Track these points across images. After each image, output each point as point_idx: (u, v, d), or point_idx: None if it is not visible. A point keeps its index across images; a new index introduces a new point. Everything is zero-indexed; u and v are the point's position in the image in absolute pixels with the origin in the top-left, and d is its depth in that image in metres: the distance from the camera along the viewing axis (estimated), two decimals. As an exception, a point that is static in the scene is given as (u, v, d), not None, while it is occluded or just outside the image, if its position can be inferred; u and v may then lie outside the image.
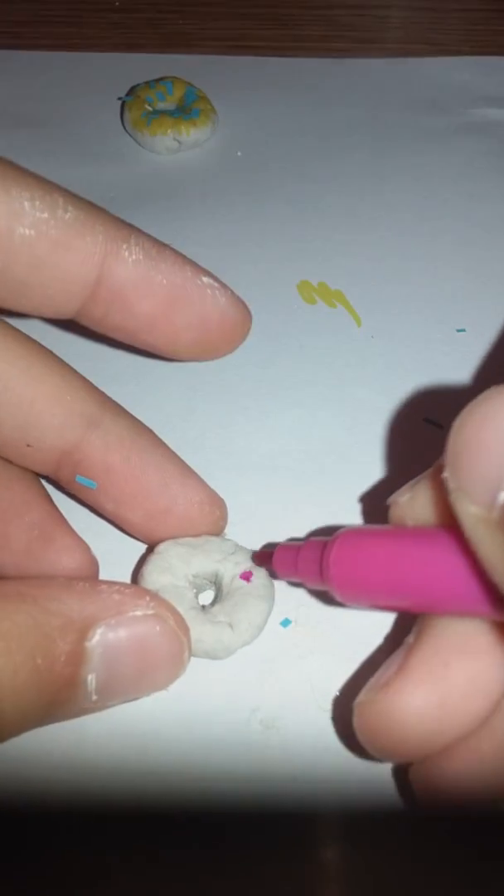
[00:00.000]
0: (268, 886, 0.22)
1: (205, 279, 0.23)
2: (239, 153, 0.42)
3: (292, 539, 0.26)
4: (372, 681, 0.21)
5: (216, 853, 0.22)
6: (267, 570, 0.25)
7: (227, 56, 0.48)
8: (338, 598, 0.21)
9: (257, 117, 0.44)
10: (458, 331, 0.34)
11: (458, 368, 0.33)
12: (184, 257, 0.24)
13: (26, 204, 0.21)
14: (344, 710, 0.24)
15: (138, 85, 0.44)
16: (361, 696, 0.21)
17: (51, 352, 0.25)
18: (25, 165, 0.42)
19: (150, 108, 0.43)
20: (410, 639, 0.21)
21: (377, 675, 0.21)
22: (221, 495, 0.26)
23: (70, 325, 0.24)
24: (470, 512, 0.16)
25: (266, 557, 0.24)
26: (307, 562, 0.22)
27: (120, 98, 0.44)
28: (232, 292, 0.24)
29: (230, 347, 0.25)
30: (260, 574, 0.25)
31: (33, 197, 0.21)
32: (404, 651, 0.21)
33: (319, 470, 0.30)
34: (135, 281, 0.23)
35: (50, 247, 0.21)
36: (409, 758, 0.22)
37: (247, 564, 0.25)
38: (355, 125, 0.44)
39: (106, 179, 0.41)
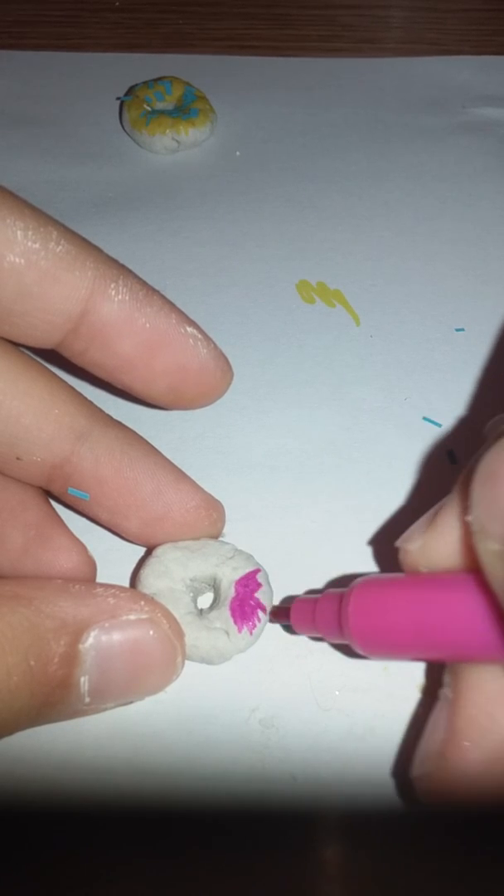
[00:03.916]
0: (267, 886, 0.22)
1: (188, 329, 0.24)
2: (237, 153, 0.42)
3: (310, 591, 0.26)
4: (422, 750, 0.21)
5: (216, 853, 0.22)
6: (283, 626, 0.25)
7: (226, 56, 0.48)
8: (360, 651, 0.21)
9: (256, 117, 0.44)
10: (457, 330, 0.34)
11: (457, 367, 0.33)
12: (171, 304, 0.24)
13: (19, 233, 0.21)
14: (343, 709, 0.24)
15: (137, 85, 0.44)
16: (418, 769, 0.21)
17: (39, 363, 0.25)
18: (24, 165, 0.43)
19: (148, 108, 0.43)
20: (447, 692, 0.21)
21: (426, 741, 0.21)
22: (220, 495, 0.26)
23: (51, 355, 0.24)
24: (490, 550, 0.16)
25: (283, 614, 0.24)
26: (325, 616, 0.22)
27: (119, 98, 0.44)
28: (215, 346, 0.24)
29: (206, 399, 0.25)
30: (261, 579, 0.25)
31: (27, 227, 0.21)
32: (445, 710, 0.21)
33: (319, 469, 0.30)
34: (118, 320, 0.23)
35: (38, 277, 0.22)
36: (480, 807, 0.22)
37: (245, 569, 0.25)
38: (354, 125, 0.44)
39: (104, 179, 0.41)
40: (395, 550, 0.21)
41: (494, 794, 0.21)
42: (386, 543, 0.28)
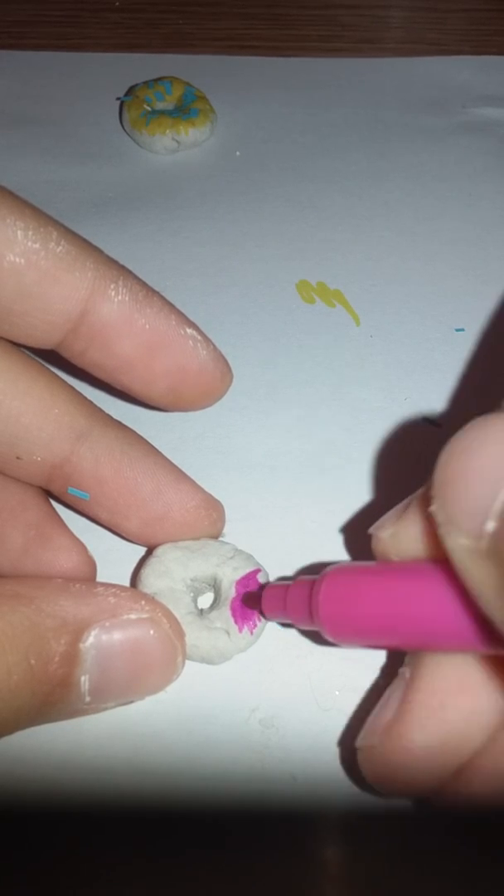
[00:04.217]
0: (267, 886, 0.22)
1: (188, 330, 0.24)
2: (238, 153, 0.42)
3: (281, 578, 0.26)
4: (370, 723, 0.21)
5: (215, 853, 0.22)
6: (258, 611, 0.25)
7: (226, 56, 0.48)
8: (328, 638, 0.21)
9: (256, 117, 0.44)
10: (457, 330, 0.34)
11: (457, 367, 0.33)
12: (171, 305, 0.24)
13: (19, 233, 0.21)
14: (343, 709, 0.24)
15: (137, 85, 0.44)
16: (362, 740, 0.21)
17: (39, 363, 0.25)
18: (24, 165, 0.43)
19: (148, 108, 0.43)
20: (406, 672, 0.21)
21: (374, 715, 0.21)
22: (220, 495, 0.26)
23: (51, 355, 0.24)
24: (459, 544, 0.16)
25: (254, 599, 0.24)
26: (296, 602, 0.21)
27: (119, 98, 0.44)
28: (214, 347, 0.24)
29: (206, 401, 0.25)
30: (261, 579, 0.25)
31: (27, 227, 0.22)
32: (400, 690, 0.21)
33: (319, 469, 0.30)
34: (117, 321, 0.23)
35: (38, 277, 0.22)
36: (415, 794, 0.22)
37: (245, 569, 0.25)
38: (354, 125, 0.44)
39: (104, 179, 0.41)
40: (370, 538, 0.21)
41: (431, 783, 0.21)
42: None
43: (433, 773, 0.20)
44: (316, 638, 0.25)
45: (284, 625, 0.25)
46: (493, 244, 0.38)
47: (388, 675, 0.25)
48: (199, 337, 0.24)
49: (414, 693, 0.20)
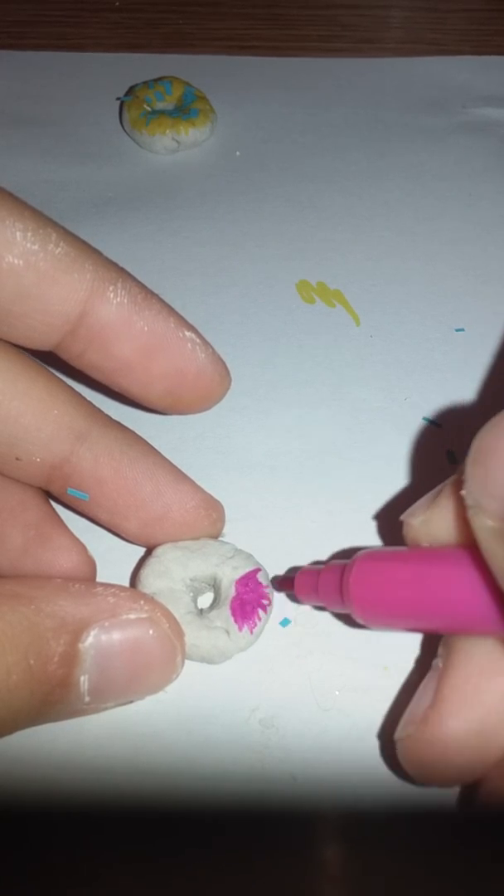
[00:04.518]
0: (267, 886, 0.22)
1: (187, 333, 0.24)
2: (238, 153, 0.42)
3: (315, 562, 0.26)
4: (408, 714, 0.22)
5: (216, 853, 0.22)
6: (287, 594, 0.25)
7: (226, 56, 0.48)
8: (359, 620, 0.21)
9: (256, 117, 0.44)
10: (457, 330, 0.34)
11: (457, 368, 0.33)
12: (170, 308, 0.24)
13: (18, 234, 0.21)
14: (343, 709, 0.24)
15: (137, 85, 0.44)
16: (400, 732, 0.21)
17: (38, 363, 0.25)
18: (24, 165, 0.43)
19: (148, 108, 0.43)
20: (439, 662, 0.21)
21: (412, 706, 0.22)
22: (220, 495, 0.26)
23: (50, 357, 0.25)
24: (485, 525, 0.17)
25: (287, 583, 0.25)
26: (327, 585, 0.22)
27: (118, 98, 0.44)
28: (213, 350, 0.24)
29: (204, 404, 0.25)
30: (261, 579, 0.25)
31: (26, 228, 0.22)
32: (435, 678, 0.21)
33: (319, 469, 0.30)
34: (116, 323, 0.23)
35: (37, 278, 0.22)
36: (458, 782, 0.22)
37: (245, 568, 0.25)
38: (354, 125, 0.44)
39: (104, 179, 0.41)
40: (397, 533, 0.22)
41: (472, 769, 0.21)
42: (385, 543, 0.28)
43: (473, 759, 0.20)
44: (347, 647, 0.25)
45: (317, 608, 0.26)
46: (493, 244, 0.38)
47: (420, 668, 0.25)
48: (198, 340, 0.24)
49: (448, 680, 0.21)
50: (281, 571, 0.27)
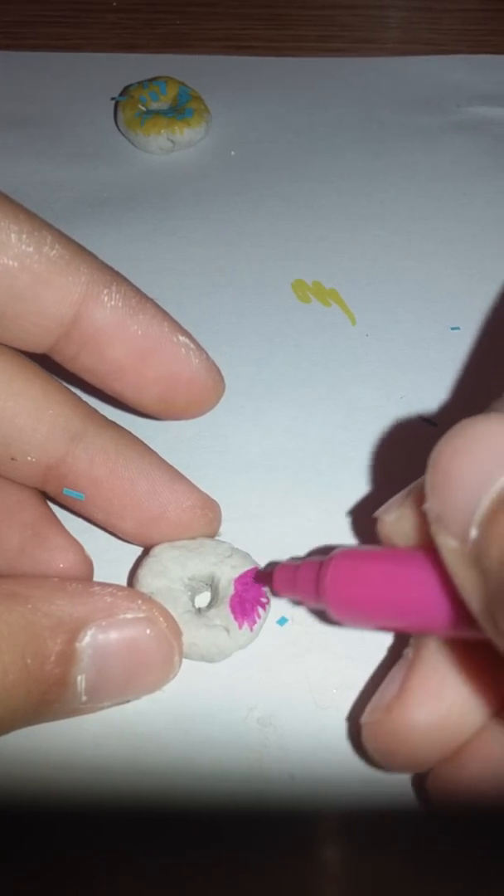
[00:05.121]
0: (266, 885, 0.22)
1: (181, 338, 0.24)
2: (233, 153, 0.42)
3: (293, 558, 0.26)
4: (375, 700, 0.22)
5: (214, 852, 0.22)
6: (268, 587, 0.25)
7: (220, 56, 0.48)
8: (333, 617, 0.21)
9: (251, 117, 0.44)
10: (453, 329, 0.34)
11: (453, 366, 0.33)
12: (164, 313, 0.24)
13: (13, 236, 0.21)
14: (340, 707, 0.24)
15: (132, 85, 0.44)
16: (366, 716, 0.22)
17: (34, 364, 0.25)
18: (19, 165, 0.43)
19: (143, 108, 0.43)
20: (409, 652, 0.22)
21: (379, 692, 0.22)
22: (217, 494, 0.26)
23: (44, 360, 0.25)
24: (447, 544, 0.17)
25: (267, 577, 0.25)
26: (305, 581, 0.22)
27: (113, 98, 0.44)
28: (207, 356, 0.24)
29: (197, 410, 0.25)
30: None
31: (21, 230, 0.22)
32: (404, 669, 0.22)
33: (315, 468, 0.30)
34: (109, 326, 0.23)
35: (31, 280, 0.22)
36: (417, 769, 0.22)
37: (243, 567, 0.25)
38: (349, 124, 0.44)
39: (99, 179, 0.41)
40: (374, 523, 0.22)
41: (429, 759, 0.21)
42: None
43: (432, 750, 0.21)
44: (342, 646, 0.26)
45: (294, 602, 0.26)
46: (488, 243, 0.38)
47: (388, 667, 0.25)
48: (192, 345, 0.24)
49: (415, 672, 0.21)
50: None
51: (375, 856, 0.22)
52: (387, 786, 0.23)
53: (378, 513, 0.21)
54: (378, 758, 0.22)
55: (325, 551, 0.22)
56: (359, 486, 0.29)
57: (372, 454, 0.30)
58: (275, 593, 0.24)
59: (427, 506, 0.17)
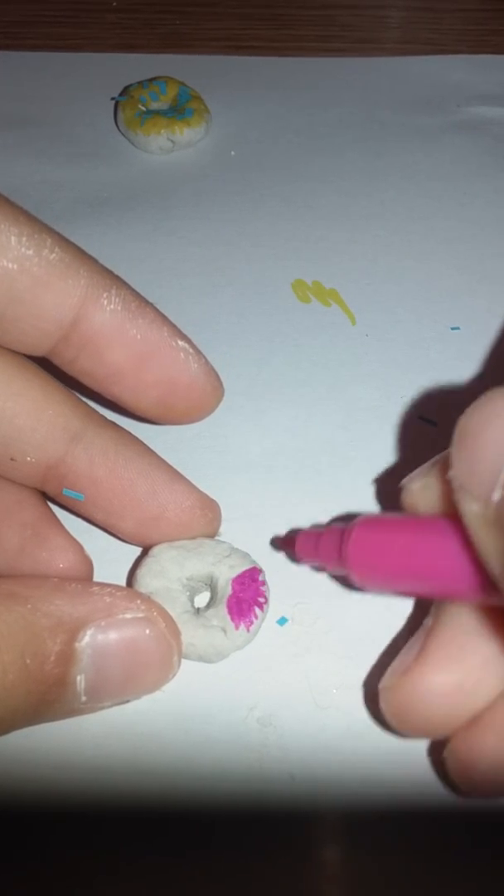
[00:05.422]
0: (266, 885, 0.22)
1: (180, 342, 0.24)
2: (233, 153, 0.42)
3: (315, 525, 0.27)
4: (394, 664, 0.22)
5: (214, 852, 0.22)
6: (287, 554, 0.26)
7: (220, 55, 0.48)
8: (356, 582, 0.22)
9: (251, 117, 0.44)
10: (453, 329, 0.34)
11: (453, 366, 0.33)
12: (163, 317, 0.24)
13: (13, 239, 0.21)
14: (341, 707, 0.24)
15: (132, 85, 0.44)
16: (385, 681, 0.22)
17: (33, 365, 0.25)
18: (19, 166, 0.43)
19: (143, 108, 0.43)
20: (428, 621, 0.22)
21: (399, 658, 0.22)
22: (217, 495, 0.26)
23: (43, 363, 0.25)
24: (470, 509, 0.17)
25: (289, 542, 0.25)
26: (327, 547, 0.23)
27: (113, 98, 0.44)
28: (206, 361, 0.24)
29: (196, 414, 0.25)
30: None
31: (21, 233, 0.22)
32: (423, 635, 0.22)
33: (315, 468, 0.30)
34: (109, 330, 0.23)
35: (30, 283, 0.22)
36: (434, 735, 0.23)
37: (242, 567, 0.25)
38: (349, 124, 0.44)
39: (99, 179, 0.41)
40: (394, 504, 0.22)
41: (446, 725, 0.21)
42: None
43: (450, 714, 0.21)
44: (343, 645, 0.26)
45: (316, 568, 0.26)
46: (488, 243, 0.38)
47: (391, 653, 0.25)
48: (191, 350, 0.24)
49: (434, 637, 0.21)
50: (278, 570, 0.27)
51: (374, 855, 0.22)
52: (386, 785, 0.23)
53: (404, 482, 0.22)
54: (396, 723, 0.22)
55: (346, 519, 0.23)
56: (359, 486, 0.29)
57: (372, 454, 0.30)
58: (297, 560, 0.25)
59: (451, 472, 0.17)
